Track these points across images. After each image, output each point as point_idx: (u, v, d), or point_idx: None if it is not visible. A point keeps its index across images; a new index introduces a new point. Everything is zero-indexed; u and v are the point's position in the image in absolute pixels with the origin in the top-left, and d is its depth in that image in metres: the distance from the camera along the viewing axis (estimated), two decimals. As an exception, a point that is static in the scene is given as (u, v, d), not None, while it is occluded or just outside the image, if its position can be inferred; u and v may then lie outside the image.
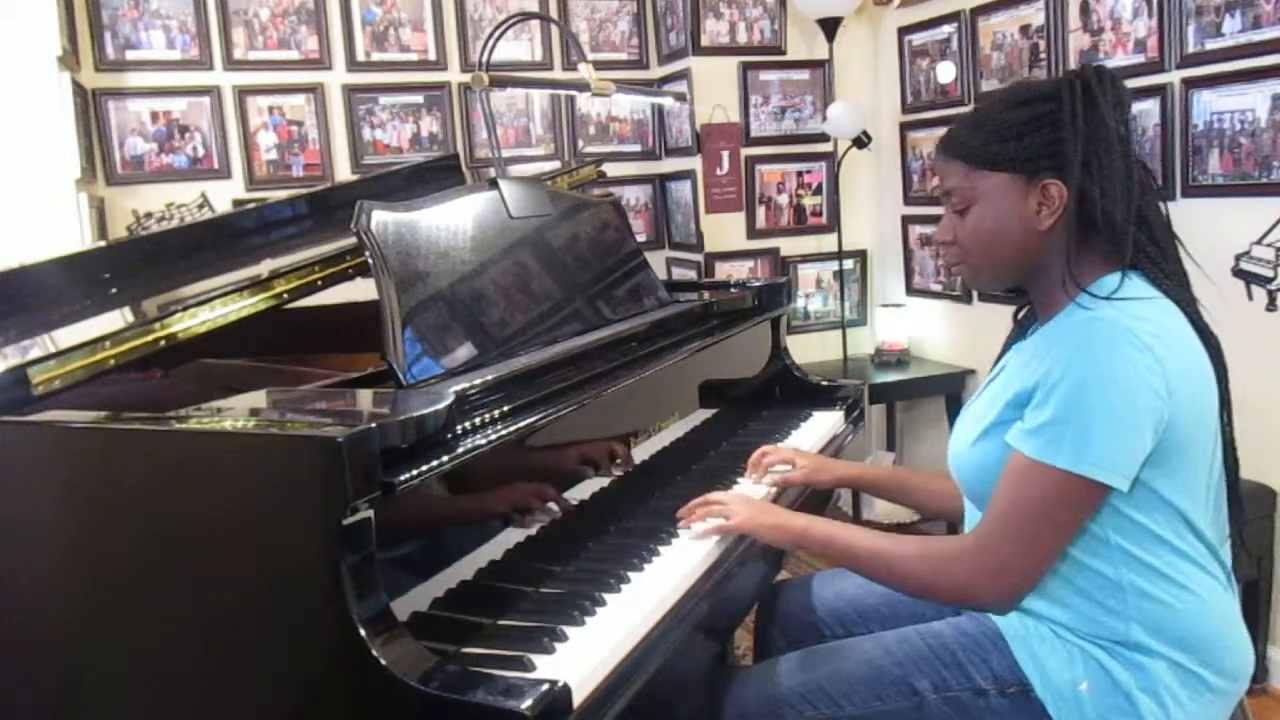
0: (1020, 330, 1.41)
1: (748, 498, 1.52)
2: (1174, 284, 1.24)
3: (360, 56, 3.24)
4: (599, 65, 2.63)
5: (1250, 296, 2.33)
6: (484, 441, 1.21)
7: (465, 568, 1.23)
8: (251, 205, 2.68)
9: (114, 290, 1.66)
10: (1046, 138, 1.22)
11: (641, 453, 1.66)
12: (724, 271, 3.43)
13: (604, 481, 1.53)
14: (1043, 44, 2.83)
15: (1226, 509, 1.29)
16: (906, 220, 3.49)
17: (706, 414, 1.92)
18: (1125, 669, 1.20)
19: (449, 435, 1.17)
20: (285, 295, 1.51)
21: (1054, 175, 1.23)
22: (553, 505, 1.40)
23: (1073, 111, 1.22)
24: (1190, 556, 1.22)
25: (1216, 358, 1.25)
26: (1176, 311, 1.22)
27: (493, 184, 1.72)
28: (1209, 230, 2.38)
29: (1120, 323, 1.16)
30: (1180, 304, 1.23)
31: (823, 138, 3.51)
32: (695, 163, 3.40)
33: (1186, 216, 2.43)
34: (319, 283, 1.57)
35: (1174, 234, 1.28)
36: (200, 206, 2.81)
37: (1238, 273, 2.35)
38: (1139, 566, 1.20)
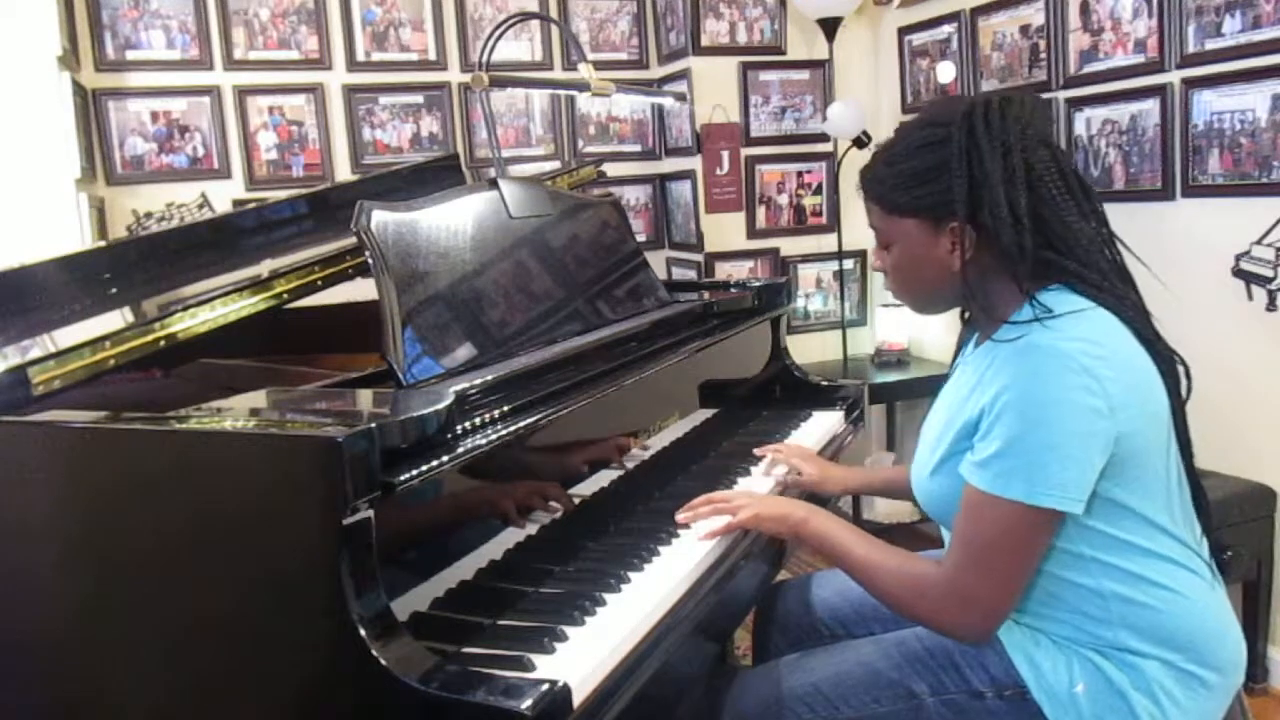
0: (970, 330, 1.43)
1: (751, 492, 1.53)
2: (1107, 295, 1.24)
3: (360, 56, 3.23)
4: (599, 65, 2.64)
5: (1250, 296, 2.33)
6: (484, 441, 1.21)
7: (465, 568, 1.23)
8: (251, 205, 2.68)
9: (114, 290, 1.66)
10: (942, 184, 1.25)
11: (641, 452, 1.66)
12: (724, 271, 3.43)
13: (604, 481, 1.53)
14: (1043, 44, 2.83)
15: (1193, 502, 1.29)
16: (906, 220, 3.49)
17: (707, 414, 1.92)
18: (1119, 670, 1.21)
19: (449, 435, 1.17)
20: (285, 295, 1.51)
21: (956, 218, 1.25)
22: (553, 505, 1.40)
23: (958, 157, 1.24)
24: (1166, 556, 1.22)
25: (1163, 360, 1.24)
26: (1112, 320, 1.22)
27: (493, 184, 1.72)
28: (1209, 230, 2.38)
29: (1055, 346, 1.16)
30: (1117, 313, 1.22)
31: (823, 138, 3.51)
32: (695, 163, 3.40)
33: (1186, 216, 2.44)
34: (319, 283, 1.57)
35: (1113, 244, 1.28)
36: (200, 206, 2.81)
37: (1238, 273, 2.35)
38: (1117, 574, 1.21)
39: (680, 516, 1.47)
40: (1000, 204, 1.21)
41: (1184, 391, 1.27)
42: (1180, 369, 1.26)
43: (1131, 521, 1.20)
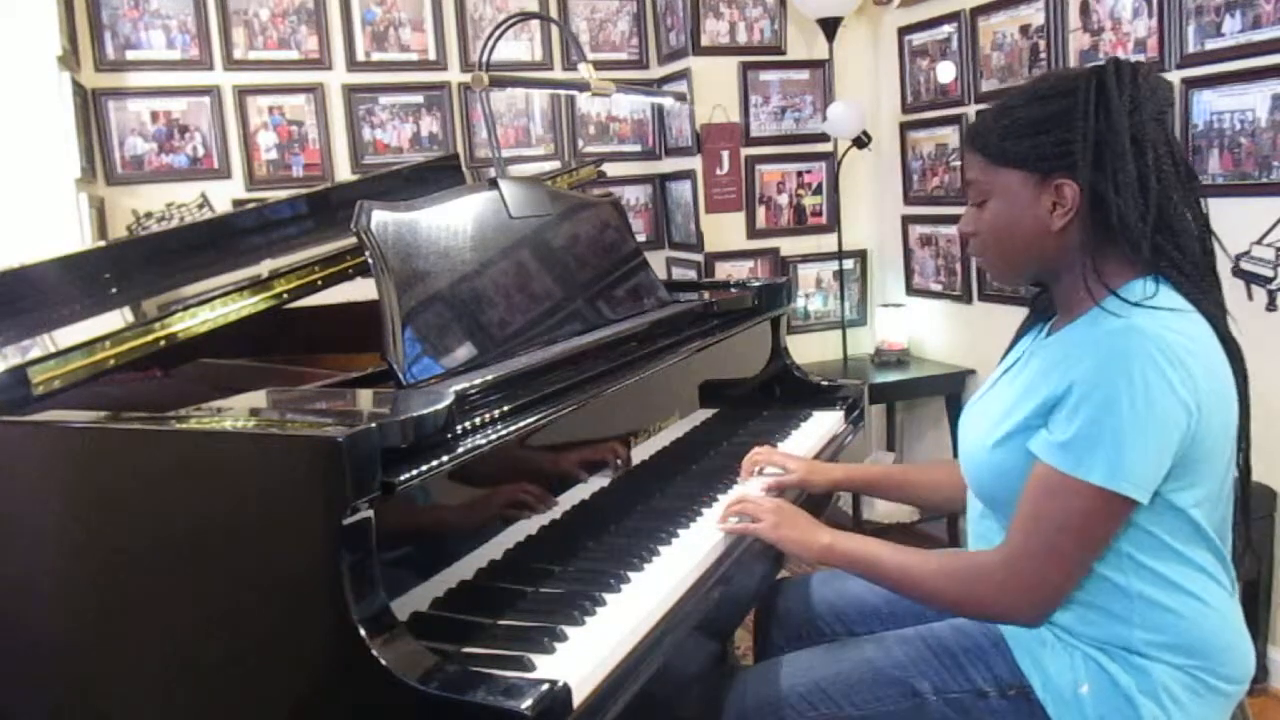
0: (1036, 320, 1.38)
1: (780, 505, 1.49)
2: (1201, 293, 1.21)
3: (360, 56, 3.24)
4: (599, 65, 2.63)
5: (1250, 296, 2.33)
6: (484, 441, 1.21)
7: (465, 568, 1.23)
8: (251, 205, 2.68)
9: (114, 290, 1.66)
10: (1060, 136, 1.20)
11: (641, 453, 1.66)
12: (724, 271, 3.42)
13: (604, 481, 1.53)
14: (1043, 44, 2.83)
15: (1232, 515, 1.28)
16: (906, 220, 3.49)
17: (706, 414, 1.92)
18: (1126, 672, 1.20)
19: (449, 435, 1.16)
20: (285, 295, 1.51)
21: (1067, 175, 1.20)
22: (553, 505, 1.40)
23: (1084, 111, 1.18)
24: (1200, 565, 1.21)
25: (1239, 370, 1.23)
26: (1204, 324, 1.19)
27: (493, 184, 1.72)
28: (1209, 230, 2.38)
29: (1154, 334, 1.13)
30: (1207, 315, 1.20)
31: (823, 138, 3.51)
32: (695, 163, 3.40)
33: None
34: (319, 283, 1.57)
35: (1211, 237, 1.25)
36: (200, 206, 2.81)
37: (1238, 273, 2.35)
38: (1149, 575, 1.19)
39: (721, 515, 1.49)
40: (1127, 166, 1.17)
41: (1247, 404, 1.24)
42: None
43: (1179, 525, 1.18)
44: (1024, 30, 2.90)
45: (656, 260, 3.23)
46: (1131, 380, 1.11)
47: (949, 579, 1.26)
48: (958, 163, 3.17)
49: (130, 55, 3.00)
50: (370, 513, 1.02)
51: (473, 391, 1.28)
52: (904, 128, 3.45)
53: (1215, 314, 1.21)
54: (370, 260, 1.42)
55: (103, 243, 2.52)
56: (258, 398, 1.28)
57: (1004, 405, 1.27)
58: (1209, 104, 2.38)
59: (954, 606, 1.28)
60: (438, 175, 2.41)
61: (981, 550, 1.28)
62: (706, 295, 2.19)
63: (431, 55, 3.31)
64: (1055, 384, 1.17)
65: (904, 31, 3.40)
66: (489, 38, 2.13)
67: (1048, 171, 1.21)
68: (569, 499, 1.44)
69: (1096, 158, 1.18)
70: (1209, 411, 1.15)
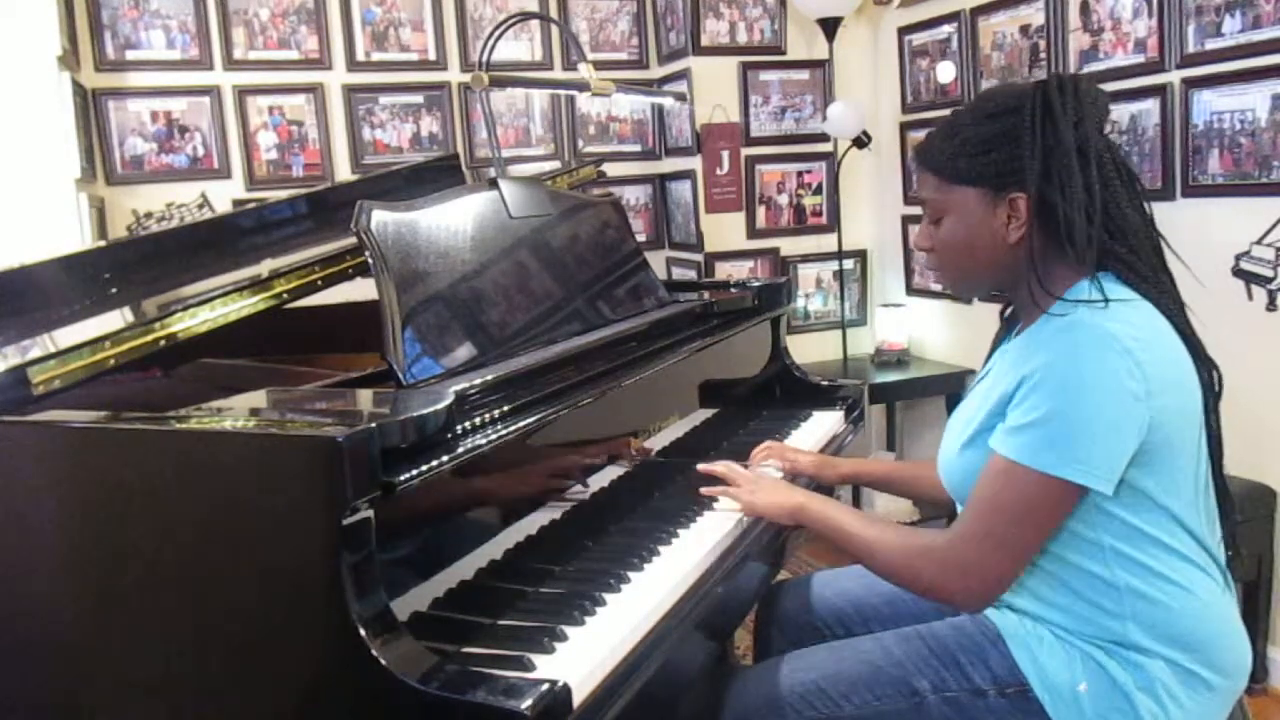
0: (1007, 330, 1.42)
1: (759, 477, 1.57)
2: (1151, 286, 1.24)
3: (360, 56, 3.24)
4: (599, 65, 2.63)
5: (1250, 296, 2.33)
6: (484, 441, 1.21)
7: (465, 568, 1.23)
8: (251, 205, 2.68)
9: (114, 290, 1.66)
10: (1009, 152, 1.24)
11: (641, 453, 1.66)
12: (724, 271, 3.43)
13: (604, 481, 1.53)
14: (1043, 44, 2.83)
15: (1217, 507, 1.29)
16: (906, 220, 3.49)
17: (706, 414, 1.92)
18: (1123, 668, 1.21)
19: (449, 435, 1.17)
20: (285, 295, 1.51)
21: (1019, 189, 1.24)
22: (553, 504, 1.40)
23: (1030, 126, 1.23)
24: (1184, 555, 1.22)
25: (1200, 358, 1.25)
26: (1155, 313, 1.22)
27: (493, 184, 1.72)
28: (1209, 230, 2.38)
29: (1101, 326, 1.17)
30: (1160, 306, 1.23)
31: (823, 138, 3.51)
32: (695, 163, 3.40)
33: (1186, 216, 2.44)
34: (319, 283, 1.57)
35: (1157, 235, 1.29)
36: (200, 206, 2.81)
37: (1238, 273, 2.35)
38: (1133, 566, 1.20)
39: (701, 467, 1.58)
40: (1074, 176, 1.21)
41: (1216, 392, 1.27)
42: (1214, 373, 1.27)
43: (1155, 514, 1.20)
44: (1024, 30, 2.90)
45: (656, 260, 3.23)
46: (1078, 370, 1.15)
47: (903, 554, 1.29)
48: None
49: (130, 55, 3.00)
50: (370, 513, 1.02)
51: (473, 391, 1.29)
52: (904, 128, 3.45)
53: (1171, 308, 1.24)
54: (370, 260, 1.42)
55: (103, 243, 2.52)
56: (258, 398, 1.28)
57: (970, 410, 1.32)
58: (1209, 104, 2.38)
59: (900, 579, 1.31)
60: (438, 175, 2.41)
61: (934, 531, 1.31)
62: (706, 295, 2.19)
63: (431, 55, 3.31)
64: (1009, 381, 1.22)
65: (904, 31, 3.40)
66: (489, 38, 2.13)
67: (1000, 187, 1.26)
68: (569, 499, 1.44)
69: (1045, 169, 1.23)
70: (1163, 398, 1.17)
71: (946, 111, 3.19)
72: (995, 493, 1.20)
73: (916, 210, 3.41)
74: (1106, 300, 1.19)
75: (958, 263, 1.33)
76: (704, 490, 1.55)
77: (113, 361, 1.28)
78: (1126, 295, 1.22)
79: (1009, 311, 1.43)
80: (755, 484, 1.53)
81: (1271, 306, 2.29)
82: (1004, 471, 1.19)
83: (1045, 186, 1.23)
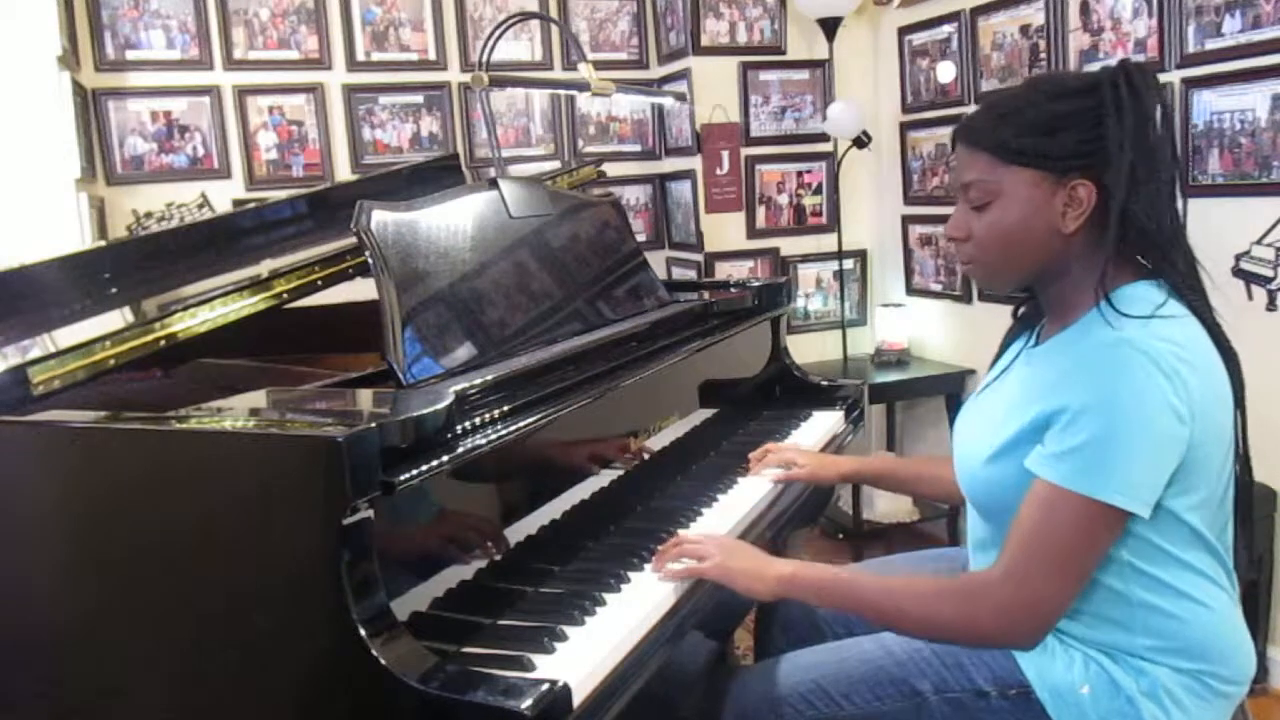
0: (1022, 328, 1.39)
1: (722, 540, 1.40)
2: (1195, 295, 1.20)
3: (360, 56, 3.23)
4: (599, 65, 2.63)
5: (1250, 296, 2.33)
6: (484, 441, 1.21)
7: (465, 568, 1.23)
8: (251, 205, 2.68)
9: (114, 290, 1.66)
10: (1084, 135, 1.17)
11: (641, 453, 1.66)
12: (724, 271, 3.43)
13: (604, 481, 1.53)
14: (1043, 44, 2.83)
15: (1233, 517, 1.27)
16: (906, 220, 3.49)
17: (706, 414, 1.92)
18: (1127, 673, 1.20)
19: (449, 435, 1.16)
20: (285, 295, 1.51)
21: (1084, 176, 1.18)
22: (553, 504, 1.40)
23: (1117, 108, 1.15)
24: (1200, 570, 1.20)
25: (1234, 372, 1.22)
26: (1197, 327, 1.19)
27: (493, 184, 1.72)
28: (1209, 230, 2.38)
29: (1146, 346, 1.12)
30: (1203, 318, 1.19)
31: (823, 137, 3.51)
32: (695, 163, 3.40)
33: (1186, 216, 2.44)
34: (319, 283, 1.57)
35: (1184, 234, 1.24)
36: (200, 206, 2.81)
37: (1238, 273, 2.35)
38: (1149, 582, 1.19)
39: (652, 565, 1.35)
40: (1162, 168, 1.15)
41: (1243, 407, 1.24)
42: (1242, 387, 1.23)
43: (1179, 532, 1.18)
44: (1024, 30, 2.90)
45: (656, 260, 3.23)
46: (1126, 394, 1.11)
47: (940, 599, 1.22)
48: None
49: (130, 55, 3.00)
50: (370, 512, 1.02)
51: (473, 391, 1.28)
52: (904, 128, 3.45)
53: (1210, 318, 1.20)
54: (370, 260, 1.42)
55: (103, 243, 2.52)
56: (258, 398, 1.28)
57: (996, 418, 1.26)
58: (1209, 104, 2.38)
59: (945, 630, 1.23)
60: (438, 175, 2.41)
61: (975, 572, 1.26)
62: (706, 295, 2.19)
63: (431, 55, 3.31)
64: (1049, 400, 1.16)
65: (904, 31, 3.40)
66: (489, 38, 2.13)
67: (1064, 171, 1.18)
68: (569, 499, 1.44)
69: (1123, 159, 1.15)
70: (1203, 417, 1.14)
71: (946, 112, 3.22)
72: (1043, 521, 1.15)
73: (917, 210, 3.44)
74: (1150, 315, 1.14)
75: (1001, 252, 1.24)
76: (663, 574, 1.33)
77: (112, 361, 1.28)
78: (1172, 309, 1.17)
79: (1022, 311, 1.39)
80: (721, 551, 1.35)
81: (1271, 306, 2.29)
82: (1050, 498, 1.14)
83: (1118, 177, 1.15)
